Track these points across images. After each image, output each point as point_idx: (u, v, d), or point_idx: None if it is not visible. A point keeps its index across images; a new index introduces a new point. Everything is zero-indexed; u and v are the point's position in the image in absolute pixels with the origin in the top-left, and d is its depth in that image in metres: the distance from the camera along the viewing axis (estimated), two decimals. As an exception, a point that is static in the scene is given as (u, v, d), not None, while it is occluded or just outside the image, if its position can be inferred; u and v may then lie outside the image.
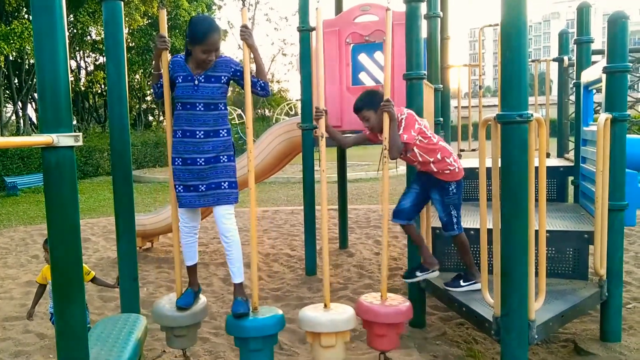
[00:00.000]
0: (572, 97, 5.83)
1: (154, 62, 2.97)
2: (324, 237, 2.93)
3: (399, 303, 2.93)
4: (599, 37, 5.98)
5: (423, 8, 3.69)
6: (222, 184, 2.93)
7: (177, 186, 2.94)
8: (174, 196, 3.00)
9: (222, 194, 2.94)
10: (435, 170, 3.25)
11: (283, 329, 2.96)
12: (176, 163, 2.92)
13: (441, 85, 5.51)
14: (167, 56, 2.93)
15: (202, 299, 3.14)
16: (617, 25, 3.22)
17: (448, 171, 3.26)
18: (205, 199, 2.93)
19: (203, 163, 2.89)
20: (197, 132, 2.87)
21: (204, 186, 2.92)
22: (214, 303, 4.57)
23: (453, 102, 7.34)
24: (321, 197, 2.95)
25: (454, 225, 3.33)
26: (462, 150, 6.85)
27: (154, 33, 21.14)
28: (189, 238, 3.08)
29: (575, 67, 4.98)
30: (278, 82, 40.32)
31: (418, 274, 3.37)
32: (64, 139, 1.97)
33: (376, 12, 5.10)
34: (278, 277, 5.30)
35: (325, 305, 2.93)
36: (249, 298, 2.99)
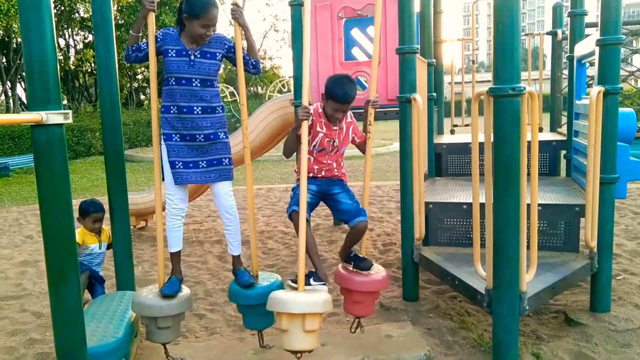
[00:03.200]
0: (566, 72, 5.82)
1: (137, 23, 2.83)
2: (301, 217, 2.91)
3: (376, 272, 2.96)
4: (593, 10, 5.93)
5: (416, -19, 3.64)
6: (223, 160, 2.93)
7: (175, 162, 2.85)
8: (159, 177, 2.91)
9: (224, 170, 2.93)
10: (337, 173, 3.04)
11: None
12: (174, 139, 2.85)
13: (434, 60, 5.48)
14: (152, 18, 2.79)
15: (186, 289, 2.92)
16: (610, -3, 3.19)
17: (343, 173, 3.09)
18: (207, 175, 2.90)
19: (202, 139, 2.86)
20: (195, 108, 2.83)
21: (205, 162, 2.89)
22: (209, 280, 4.60)
23: (447, 78, 7.30)
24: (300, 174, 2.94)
25: (364, 211, 2.96)
26: (455, 126, 6.85)
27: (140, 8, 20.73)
28: (176, 221, 2.95)
29: (568, 40, 4.95)
30: (270, 59, 39.95)
31: (312, 282, 2.83)
32: (53, 117, 1.96)
33: (368, -14, 5.02)
34: (273, 254, 5.33)
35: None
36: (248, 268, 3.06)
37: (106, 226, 3.72)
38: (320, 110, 2.96)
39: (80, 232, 3.50)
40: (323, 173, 3.01)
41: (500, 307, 2.70)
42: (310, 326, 2.44)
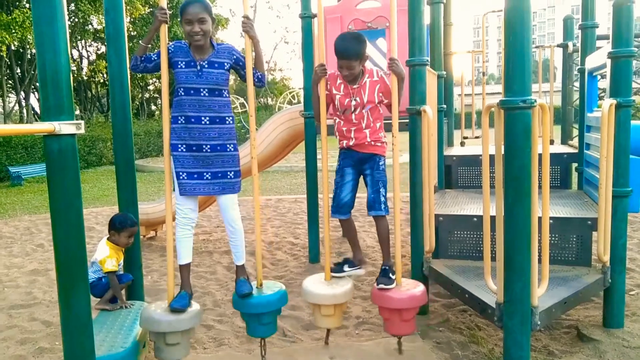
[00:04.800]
0: (577, 84, 5.79)
1: (148, 34, 2.85)
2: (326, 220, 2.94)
3: (413, 288, 2.94)
4: (603, 23, 5.91)
5: (426, -6, 3.65)
6: (228, 173, 2.91)
7: (179, 174, 2.85)
8: (169, 188, 2.87)
9: (228, 183, 2.92)
10: (369, 140, 3.03)
11: (286, 304, 3.03)
12: (179, 150, 2.84)
13: (444, 72, 5.48)
14: (165, 30, 2.82)
15: (196, 304, 2.87)
16: (622, 10, 3.19)
17: (380, 143, 3.07)
18: (211, 187, 2.89)
19: (209, 150, 2.85)
20: (203, 118, 2.83)
21: (210, 174, 2.88)
22: (217, 291, 4.59)
23: (456, 90, 7.30)
24: (323, 182, 2.95)
25: (381, 205, 3.05)
26: (466, 138, 6.82)
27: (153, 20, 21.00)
28: (186, 231, 2.91)
29: (579, 53, 4.94)
30: (280, 70, 40.18)
31: (346, 268, 3.14)
32: (66, 127, 1.98)
33: (379, -1, 5.06)
34: (282, 265, 5.32)
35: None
36: (250, 277, 3.08)
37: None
38: (338, 73, 3.03)
39: (112, 252, 3.27)
40: (353, 140, 3.03)
41: (512, 321, 2.67)
42: (327, 312, 2.99)
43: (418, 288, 2.94)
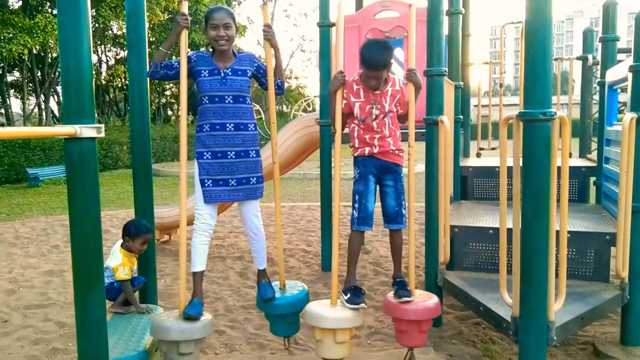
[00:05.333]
0: (596, 97, 5.73)
1: (168, 40, 2.88)
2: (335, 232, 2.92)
3: (427, 299, 2.90)
4: (623, 36, 5.85)
5: (445, 4, 3.65)
6: (251, 179, 2.93)
7: (205, 180, 2.85)
8: (184, 195, 2.81)
9: (251, 189, 2.94)
10: (392, 148, 2.95)
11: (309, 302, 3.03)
12: (205, 157, 2.86)
13: (462, 83, 5.46)
14: (185, 36, 2.85)
15: (207, 313, 2.80)
16: (644, 23, 3.15)
17: (401, 153, 2.99)
18: (235, 194, 2.91)
19: (233, 156, 2.87)
20: (227, 125, 2.85)
21: (234, 180, 2.89)
22: (230, 296, 4.60)
23: (473, 101, 7.26)
24: (334, 192, 2.95)
25: (403, 218, 2.96)
26: (482, 149, 6.78)
27: (174, 26, 21.28)
28: (204, 237, 2.89)
29: (600, 66, 4.89)
30: (296, 78, 40.37)
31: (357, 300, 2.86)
32: (87, 130, 2.00)
33: (397, 8, 5.06)
34: (294, 273, 5.31)
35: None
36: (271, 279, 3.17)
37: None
38: (357, 78, 2.95)
39: (125, 259, 3.23)
40: (377, 148, 2.93)
41: (527, 336, 2.63)
42: (341, 338, 2.74)
43: (432, 300, 2.91)
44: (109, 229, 7.46)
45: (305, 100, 28.90)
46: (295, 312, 3.02)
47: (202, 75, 2.86)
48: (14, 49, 15.32)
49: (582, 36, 6.30)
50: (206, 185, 2.87)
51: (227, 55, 2.90)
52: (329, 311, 2.79)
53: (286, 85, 3.11)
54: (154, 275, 3.54)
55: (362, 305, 2.81)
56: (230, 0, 28.52)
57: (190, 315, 2.65)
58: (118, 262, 3.22)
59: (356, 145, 2.99)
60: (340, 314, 2.77)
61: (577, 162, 5.45)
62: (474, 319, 3.87)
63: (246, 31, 28.88)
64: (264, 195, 3.09)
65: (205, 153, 2.87)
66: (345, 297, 2.84)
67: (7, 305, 4.42)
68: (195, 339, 2.64)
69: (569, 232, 3.24)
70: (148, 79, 3.32)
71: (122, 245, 3.30)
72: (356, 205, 2.95)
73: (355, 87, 2.94)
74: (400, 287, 2.91)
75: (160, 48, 2.90)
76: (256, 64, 2.97)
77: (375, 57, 2.81)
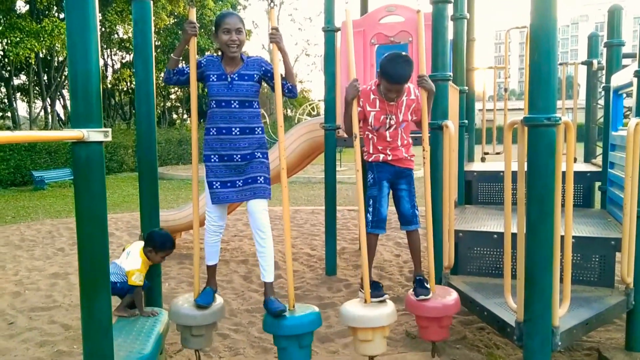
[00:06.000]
0: (601, 102, 5.72)
1: (178, 47, 2.94)
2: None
3: (447, 296, 3.00)
4: (629, 40, 5.85)
5: (450, 9, 3.66)
6: (258, 178, 2.95)
7: (213, 183, 2.93)
8: (197, 193, 3.00)
9: (259, 188, 2.95)
10: (405, 156, 3.05)
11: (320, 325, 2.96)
12: (212, 160, 2.93)
13: (466, 87, 5.46)
14: (194, 43, 2.92)
15: (219, 299, 3.05)
16: (650, 28, 3.15)
17: (412, 158, 3.09)
18: (243, 194, 2.95)
19: (239, 159, 2.92)
20: (233, 129, 2.90)
21: (241, 181, 2.94)
22: (234, 300, 4.60)
23: (478, 105, 7.27)
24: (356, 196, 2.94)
25: (418, 218, 3.07)
26: (486, 154, 6.78)
27: (179, 32, 21.40)
28: (215, 237, 3.04)
29: (605, 71, 4.88)
30: (301, 82, 40.44)
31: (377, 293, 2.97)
32: (94, 134, 2.02)
33: (402, 13, 5.08)
34: (298, 276, 5.32)
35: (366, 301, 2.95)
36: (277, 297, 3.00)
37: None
38: (373, 88, 3.00)
39: (143, 266, 3.21)
40: (390, 156, 3.03)
41: (532, 341, 2.62)
42: (364, 337, 2.83)
43: (452, 296, 2.99)
44: (113, 232, 7.48)
45: (309, 104, 28.92)
46: (307, 333, 2.85)
47: (211, 79, 2.92)
48: (21, 53, 15.42)
49: (587, 41, 6.30)
50: (214, 187, 2.93)
51: (236, 59, 2.92)
52: (362, 311, 2.86)
53: (297, 90, 3.11)
54: (159, 279, 3.55)
55: (385, 296, 2.93)
56: (235, 4, 28.65)
57: (201, 305, 2.90)
58: (136, 267, 3.18)
59: (370, 152, 3.07)
60: (373, 313, 2.83)
61: (582, 167, 5.44)
62: (478, 323, 3.86)
63: (251, 35, 28.96)
64: (272, 199, 3.10)
65: (212, 156, 2.94)
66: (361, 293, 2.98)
67: (13, 307, 4.44)
68: (206, 324, 2.92)
69: (573, 237, 3.23)
70: (154, 82, 3.37)
71: (143, 250, 3.25)
72: (370, 209, 3.03)
73: (372, 96, 2.99)
74: (419, 285, 3.00)
75: (171, 55, 2.98)
76: (264, 68, 2.98)
77: (399, 72, 2.85)
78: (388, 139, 3.01)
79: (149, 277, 3.44)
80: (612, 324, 3.76)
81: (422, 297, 2.93)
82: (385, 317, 2.83)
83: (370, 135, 3.06)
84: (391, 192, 3.11)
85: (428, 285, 3.01)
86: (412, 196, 3.08)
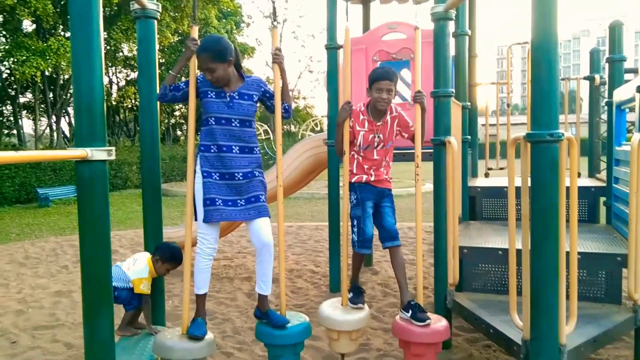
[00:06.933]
0: (604, 116, 5.72)
1: (178, 64, 2.93)
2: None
3: (436, 322, 2.92)
4: (630, 55, 5.87)
5: (451, 26, 3.69)
6: (260, 197, 2.96)
7: (215, 199, 2.86)
8: (191, 215, 2.91)
9: (262, 206, 2.95)
10: (385, 177, 3.23)
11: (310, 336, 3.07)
12: (213, 177, 2.88)
13: (469, 103, 5.48)
14: (195, 60, 2.90)
15: (209, 332, 2.87)
16: (651, 43, 3.16)
17: (390, 179, 3.27)
18: (247, 213, 2.91)
19: (241, 178, 2.91)
20: (233, 148, 2.90)
21: (243, 200, 2.92)
22: (237, 318, 4.57)
23: (481, 120, 7.28)
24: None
25: (399, 234, 3.17)
26: (490, 169, 6.77)
27: (183, 50, 21.60)
28: (207, 262, 2.92)
29: (607, 86, 4.89)
30: (304, 98, 40.70)
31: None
32: (98, 153, 2.03)
33: (403, 30, 5.12)
34: (302, 293, 5.29)
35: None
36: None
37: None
38: (363, 109, 3.16)
39: (150, 275, 3.23)
40: (373, 176, 3.16)
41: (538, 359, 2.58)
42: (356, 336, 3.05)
43: (441, 323, 2.92)
44: (117, 249, 7.47)
45: (313, 120, 29.04)
46: (295, 344, 2.93)
47: (209, 96, 2.90)
48: (27, 72, 15.58)
49: (589, 56, 6.32)
50: (217, 203, 2.86)
51: (233, 78, 2.93)
52: (340, 314, 3.07)
53: (294, 105, 3.18)
54: (162, 296, 3.53)
55: (360, 305, 3.13)
56: (238, 22, 28.97)
57: (196, 335, 2.73)
58: (143, 276, 3.17)
59: (354, 172, 3.19)
60: (352, 317, 3.03)
61: (586, 182, 5.42)
62: (484, 341, 3.82)
63: (254, 52, 29.22)
64: (271, 216, 3.09)
65: (213, 173, 2.90)
66: (349, 296, 3.16)
67: (16, 326, 4.43)
68: (200, 357, 2.70)
69: (579, 253, 3.21)
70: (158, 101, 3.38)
71: (151, 259, 3.24)
72: (355, 230, 3.14)
73: (361, 117, 3.17)
74: (419, 310, 2.92)
75: (170, 72, 2.96)
76: (263, 89, 3.01)
77: (384, 70, 3.12)
78: (375, 157, 3.16)
79: (152, 295, 3.43)
80: (620, 341, 3.72)
81: (428, 321, 2.86)
82: (352, 323, 3.00)
83: (355, 156, 3.19)
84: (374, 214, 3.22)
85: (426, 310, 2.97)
86: (393, 212, 3.20)
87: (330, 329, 3.08)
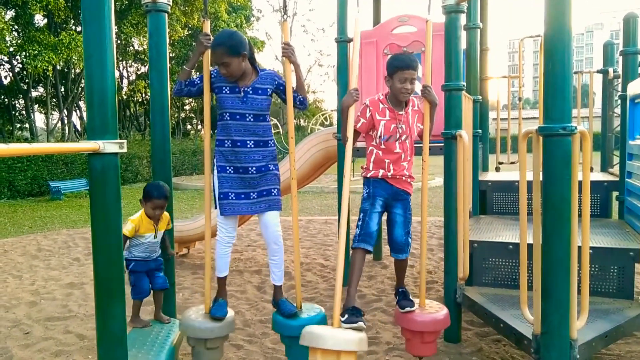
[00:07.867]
0: (617, 110, 5.66)
1: (192, 59, 2.93)
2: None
3: (437, 311, 2.95)
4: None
5: (462, 19, 3.66)
6: (272, 190, 3.00)
7: (228, 194, 2.93)
8: (209, 205, 2.99)
9: (273, 200, 3.00)
10: (405, 173, 2.92)
11: None
12: (228, 171, 2.94)
13: (480, 97, 5.44)
14: (208, 55, 2.92)
15: (230, 310, 3.05)
16: (666, 36, 3.12)
17: (411, 180, 2.96)
18: (257, 206, 2.98)
19: (255, 172, 2.94)
20: (248, 142, 2.93)
21: (255, 194, 2.97)
22: (247, 310, 4.60)
23: (492, 114, 7.23)
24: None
25: (409, 247, 2.97)
26: (501, 163, 6.72)
27: (194, 44, 21.65)
28: (227, 248, 3.05)
29: (621, 79, 4.83)
30: (314, 92, 40.67)
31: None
32: (110, 146, 2.04)
33: (414, 23, 5.09)
34: (311, 287, 5.30)
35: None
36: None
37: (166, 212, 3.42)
38: (382, 97, 2.91)
39: (138, 218, 3.25)
40: (391, 172, 2.87)
41: (549, 354, 2.57)
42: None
43: (442, 311, 2.95)
44: (128, 242, 7.54)
45: (322, 114, 29.00)
46: None
47: (224, 91, 2.93)
48: (39, 66, 15.72)
49: (603, 49, 6.24)
50: (230, 197, 2.94)
51: (247, 72, 2.94)
52: (329, 331, 2.51)
53: (307, 102, 3.13)
54: (172, 288, 3.56)
55: (360, 324, 2.55)
56: (248, 16, 28.94)
57: (218, 317, 2.90)
58: (132, 217, 3.25)
59: (370, 167, 2.93)
60: (343, 335, 2.47)
61: (599, 176, 5.37)
62: (494, 335, 3.81)
63: (264, 46, 29.20)
64: (283, 209, 3.12)
65: (228, 167, 2.95)
66: (343, 318, 2.59)
67: (29, 317, 4.48)
68: (223, 335, 2.92)
69: (591, 247, 3.19)
70: (169, 94, 3.40)
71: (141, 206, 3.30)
72: (359, 223, 2.87)
73: (381, 105, 2.90)
74: (403, 297, 2.97)
75: (184, 67, 2.99)
76: (277, 82, 3.02)
77: (407, 57, 2.86)
78: (397, 149, 2.87)
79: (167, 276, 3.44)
80: (632, 336, 3.68)
81: (408, 309, 2.89)
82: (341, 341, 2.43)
83: (375, 151, 2.91)
84: (385, 215, 2.98)
85: (411, 298, 2.99)
86: (407, 223, 2.94)
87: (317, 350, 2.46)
